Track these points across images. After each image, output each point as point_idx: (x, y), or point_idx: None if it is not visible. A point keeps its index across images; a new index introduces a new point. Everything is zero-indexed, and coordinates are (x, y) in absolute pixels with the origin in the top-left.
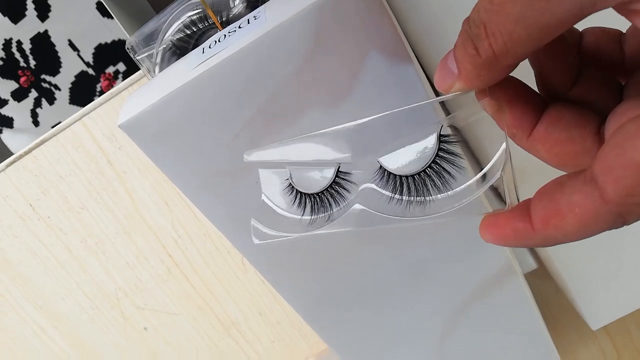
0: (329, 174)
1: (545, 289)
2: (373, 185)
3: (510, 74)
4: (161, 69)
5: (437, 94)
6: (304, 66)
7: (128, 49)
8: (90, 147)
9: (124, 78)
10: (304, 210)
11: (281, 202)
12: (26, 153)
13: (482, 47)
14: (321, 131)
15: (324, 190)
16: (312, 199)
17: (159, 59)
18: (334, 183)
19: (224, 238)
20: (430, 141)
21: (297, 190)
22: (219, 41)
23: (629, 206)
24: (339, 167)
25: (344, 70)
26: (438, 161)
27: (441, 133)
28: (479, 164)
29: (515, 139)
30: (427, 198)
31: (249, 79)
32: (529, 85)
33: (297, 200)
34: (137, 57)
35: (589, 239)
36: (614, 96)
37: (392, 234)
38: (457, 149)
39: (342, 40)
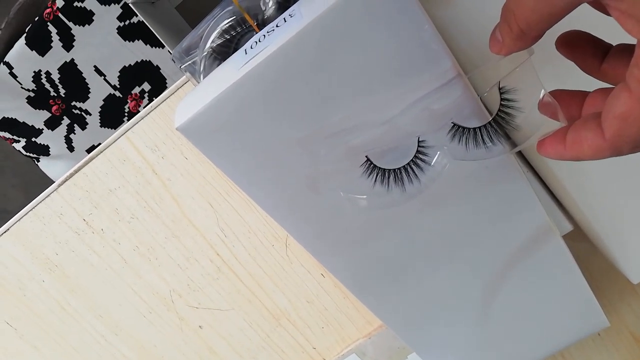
0: (412, 146)
1: (582, 251)
2: (453, 143)
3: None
4: (205, 75)
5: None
6: (343, 55)
7: (173, 60)
8: (135, 159)
9: (150, 97)
10: (388, 186)
11: (361, 190)
12: (76, 171)
13: (513, 27)
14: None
15: (410, 161)
16: (398, 172)
17: (202, 66)
18: (418, 152)
19: (267, 233)
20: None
21: (379, 169)
22: (259, 41)
23: (620, 144)
24: (419, 138)
25: (381, 55)
26: (502, 109)
27: (500, 86)
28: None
29: (590, 72)
30: (500, 140)
31: (294, 73)
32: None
33: (379, 179)
34: (181, 67)
35: (620, 193)
36: None
37: (431, 203)
38: (514, 96)
39: (376, 27)
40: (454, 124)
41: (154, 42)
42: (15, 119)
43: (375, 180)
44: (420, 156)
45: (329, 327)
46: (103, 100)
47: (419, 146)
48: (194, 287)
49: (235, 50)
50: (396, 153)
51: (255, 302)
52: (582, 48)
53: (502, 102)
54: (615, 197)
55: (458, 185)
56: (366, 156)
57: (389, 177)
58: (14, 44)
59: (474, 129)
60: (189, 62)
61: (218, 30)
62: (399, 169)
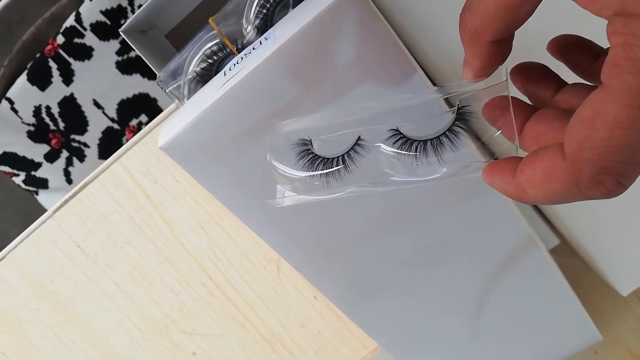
0: (351, 139)
1: (575, 267)
2: (384, 145)
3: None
4: (189, 98)
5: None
6: (313, 71)
7: (158, 83)
8: (128, 185)
9: None
10: (315, 173)
11: (289, 165)
12: (71, 197)
13: (466, 26)
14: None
15: (345, 153)
16: (330, 163)
17: (186, 89)
18: (355, 147)
19: (259, 255)
20: (448, 115)
21: (313, 154)
22: (237, 63)
23: (581, 161)
24: (360, 136)
25: (346, 70)
26: (452, 129)
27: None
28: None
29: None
30: (438, 159)
31: (268, 90)
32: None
33: (310, 164)
34: (167, 90)
35: (603, 205)
36: None
37: (412, 217)
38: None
39: (342, 46)
40: (396, 130)
41: (152, 75)
42: (15, 153)
43: (305, 163)
44: (355, 153)
45: (323, 351)
46: (102, 133)
47: (356, 143)
48: (187, 312)
49: (217, 72)
50: (337, 145)
51: (249, 326)
52: (574, 53)
53: (454, 123)
54: (599, 210)
55: (437, 198)
56: (308, 136)
57: (317, 164)
58: (15, 80)
59: (410, 138)
60: (174, 86)
61: (200, 54)
62: (332, 157)
